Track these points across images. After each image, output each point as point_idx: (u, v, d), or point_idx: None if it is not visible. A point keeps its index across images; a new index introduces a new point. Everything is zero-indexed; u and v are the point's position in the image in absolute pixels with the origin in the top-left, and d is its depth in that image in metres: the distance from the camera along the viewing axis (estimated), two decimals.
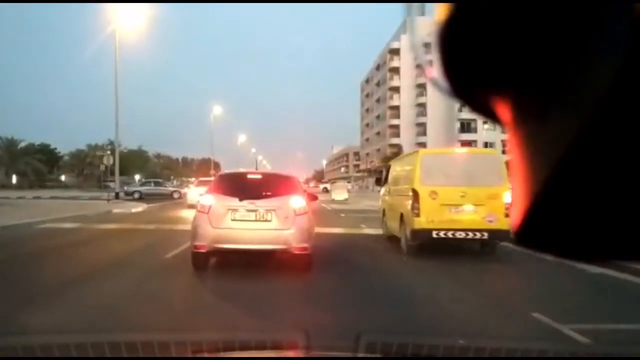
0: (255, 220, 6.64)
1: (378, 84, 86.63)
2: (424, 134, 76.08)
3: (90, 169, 63.29)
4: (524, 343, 3.48)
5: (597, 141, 0.31)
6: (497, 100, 0.37)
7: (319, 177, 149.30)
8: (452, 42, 0.36)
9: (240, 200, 6.69)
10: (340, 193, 34.62)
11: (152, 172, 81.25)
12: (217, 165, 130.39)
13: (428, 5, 0.42)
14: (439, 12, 0.35)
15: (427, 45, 0.40)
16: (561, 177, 0.32)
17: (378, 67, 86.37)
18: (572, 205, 0.33)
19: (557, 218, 0.34)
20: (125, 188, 39.69)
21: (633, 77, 0.29)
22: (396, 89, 78.13)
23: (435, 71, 0.39)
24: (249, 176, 7.55)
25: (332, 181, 58.10)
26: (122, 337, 2.72)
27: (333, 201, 33.21)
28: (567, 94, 0.32)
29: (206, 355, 2.20)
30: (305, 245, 6.65)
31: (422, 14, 0.49)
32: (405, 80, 74.63)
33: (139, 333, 3.65)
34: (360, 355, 1.96)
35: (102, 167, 34.37)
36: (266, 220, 6.64)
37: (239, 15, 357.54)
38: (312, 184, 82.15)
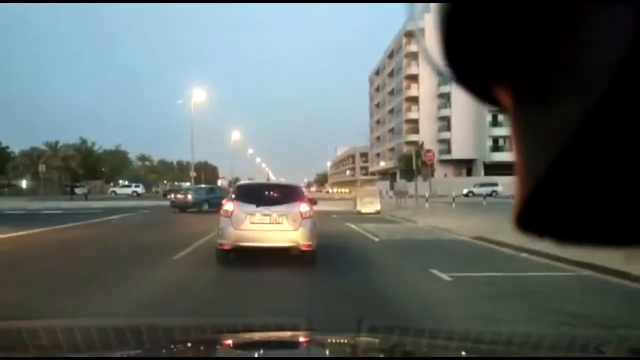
0: (270, 223, 7.64)
1: (392, 74, 75.39)
2: (448, 128, 64.96)
3: (48, 171, 51.61)
4: (522, 332, 3.53)
5: (598, 128, 0.31)
6: (499, 86, 0.37)
7: (322, 180, 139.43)
8: (453, 28, 0.36)
9: (257, 206, 7.68)
10: (369, 203, 23.15)
11: (135, 175, 71.52)
12: (214, 170, 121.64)
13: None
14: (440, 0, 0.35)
15: (429, 33, 0.39)
16: (561, 163, 0.32)
17: (391, 54, 75.07)
18: (571, 192, 0.33)
19: (556, 204, 0.34)
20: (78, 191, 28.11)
21: (636, 68, 0.29)
22: (414, 78, 66.90)
23: (437, 58, 0.38)
24: (263, 186, 9.07)
25: (350, 185, 46.88)
26: (125, 322, 3.09)
27: (359, 215, 21.75)
28: (568, 80, 0.32)
29: (210, 337, 2.23)
30: (310, 243, 7.67)
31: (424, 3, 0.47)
32: (426, 67, 63.21)
33: (143, 318, 4.02)
34: (363, 337, 2.17)
35: None
36: (278, 223, 7.64)
37: (238, 15, 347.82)
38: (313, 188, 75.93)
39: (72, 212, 23.08)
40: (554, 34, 0.32)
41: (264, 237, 7.54)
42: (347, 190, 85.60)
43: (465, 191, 46.10)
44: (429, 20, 0.38)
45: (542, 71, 0.33)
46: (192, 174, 43.52)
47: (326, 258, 8.96)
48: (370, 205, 22.95)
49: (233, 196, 8.09)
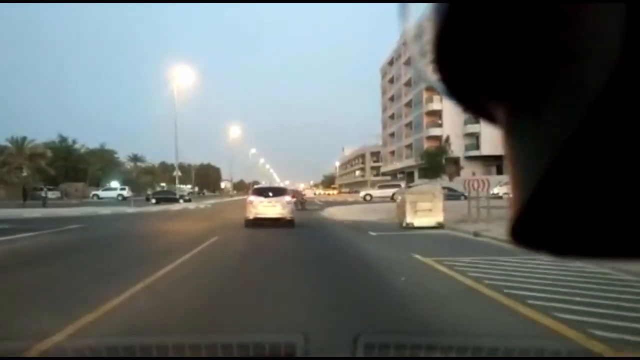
0: (271, 206, 15.90)
1: (408, 62, 67.24)
2: (476, 120, 56.45)
3: (7, 173, 43.71)
4: (522, 341, 3.41)
5: (590, 141, 0.31)
6: (492, 101, 0.37)
7: (328, 182, 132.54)
8: (447, 43, 0.36)
9: (265, 197, 16.12)
10: (426, 211, 14.72)
11: (127, 178, 64.05)
12: (217, 171, 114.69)
13: (423, 8, 0.40)
14: (434, 15, 0.35)
15: (423, 45, 0.40)
16: (555, 176, 0.33)
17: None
18: (566, 204, 0.34)
19: (551, 217, 0.34)
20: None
21: (627, 78, 0.29)
22: None
23: (430, 71, 0.38)
24: (267, 188, 17.75)
25: (393, 186, 39.55)
26: (121, 341, 2.96)
27: (410, 230, 13.73)
28: (560, 94, 0.32)
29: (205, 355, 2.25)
30: (292, 216, 16.09)
31: (418, 16, 0.43)
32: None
33: (137, 337, 3.73)
34: (359, 356, 2.13)
35: None
36: (275, 206, 15.91)
37: (239, 14, 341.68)
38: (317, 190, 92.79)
39: None
40: (546, 48, 0.32)
41: (268, 212, 15.77)
42: (334, 192, 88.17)
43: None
44: (425, 19, 0.37)
45: (536, 86, 0.33)
46: (177, 173, 35.96)
47: None
48: (427, 215, 14.57)
49: (252, 193, 16.96)
